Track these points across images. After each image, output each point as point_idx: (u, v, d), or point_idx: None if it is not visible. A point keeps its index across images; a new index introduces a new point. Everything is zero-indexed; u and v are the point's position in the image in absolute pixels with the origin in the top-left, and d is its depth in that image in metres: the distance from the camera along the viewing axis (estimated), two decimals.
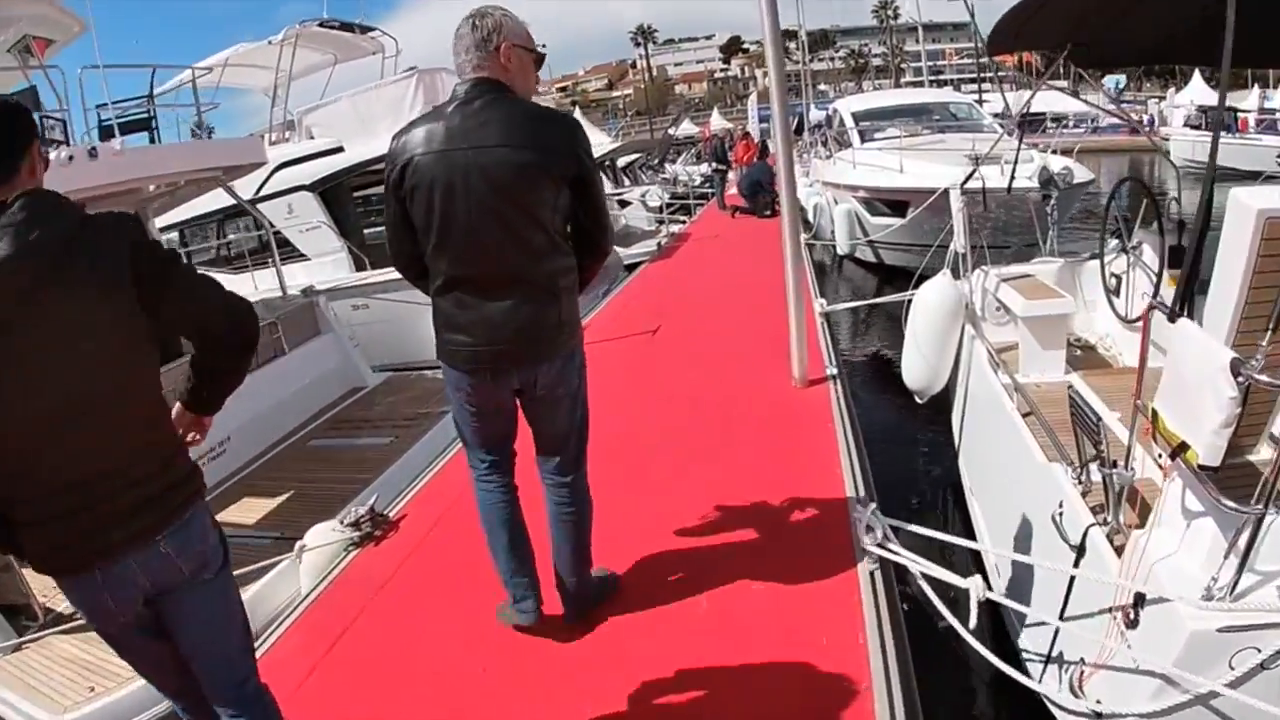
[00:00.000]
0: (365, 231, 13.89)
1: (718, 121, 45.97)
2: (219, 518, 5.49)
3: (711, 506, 3.71)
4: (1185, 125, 28.44)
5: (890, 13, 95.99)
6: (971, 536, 4.91)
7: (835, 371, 5.19)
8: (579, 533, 2.82)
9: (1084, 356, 5.35)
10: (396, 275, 2.74)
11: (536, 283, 2.44)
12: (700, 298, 9.04)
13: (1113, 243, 5.42)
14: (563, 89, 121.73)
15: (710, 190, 21.73)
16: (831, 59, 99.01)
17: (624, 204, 18.20)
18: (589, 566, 2.94)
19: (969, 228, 5.83)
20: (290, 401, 7.22)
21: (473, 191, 2.32)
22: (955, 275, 5.88)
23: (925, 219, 9.89)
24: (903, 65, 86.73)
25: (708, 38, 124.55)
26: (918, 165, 10.51)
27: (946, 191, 9.24)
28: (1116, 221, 5.31)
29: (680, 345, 6.94)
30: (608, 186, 22.33)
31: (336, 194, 10.27)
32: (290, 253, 11.00)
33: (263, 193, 10.93)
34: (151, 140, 7.90)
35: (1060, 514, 3.25)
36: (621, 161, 25.61)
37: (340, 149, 10.16)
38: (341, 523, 4.10)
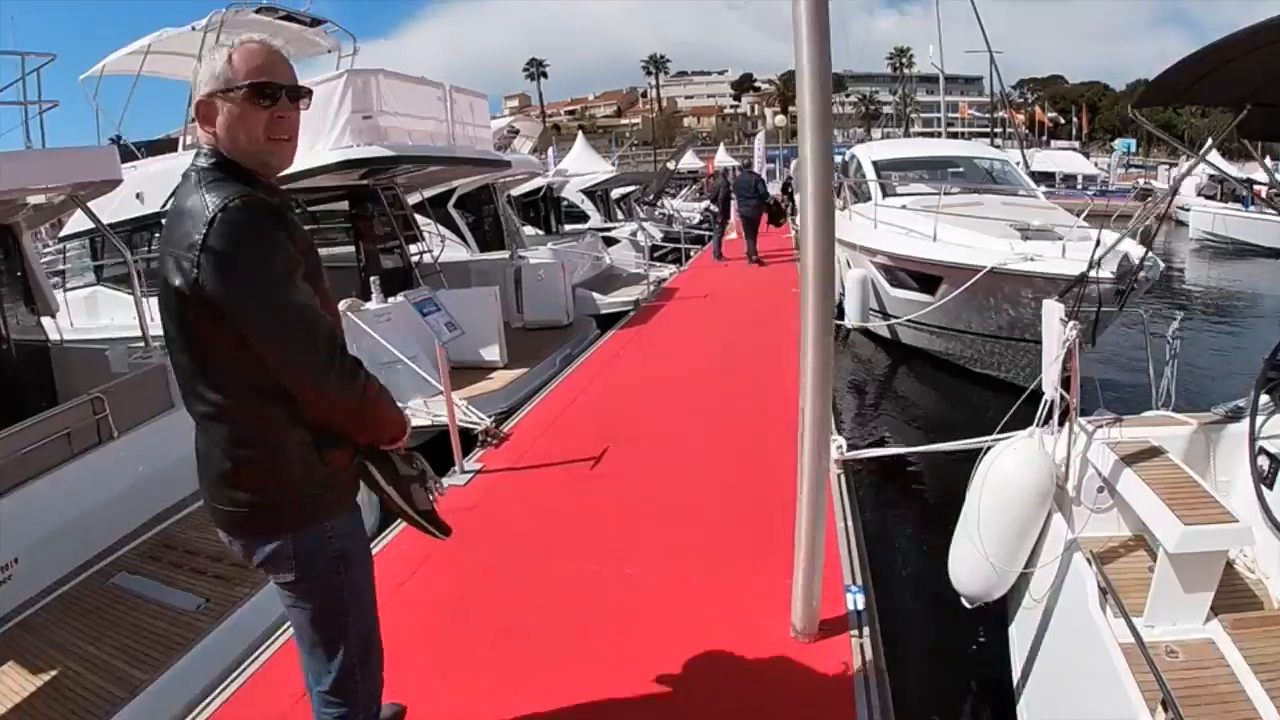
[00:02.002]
0: None
1: (723, 157, 44.58)
2: None
3: None
4: (1199, 195, 27.08)
5: (905, 60, 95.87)
6: None
7: (862, 605, 3.20)
8: None
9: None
10: None
11: (208, 431, 1.90)
12: (672, 398, 7.09)
13: (1264, 399, 3.77)
14: (571, 112, 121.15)
15: (707, 232, 20.03)
16: (841, 103, 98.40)
17: (610, 242, 16.37)
18: None
19: (1075, 363, 3.88)
20: (112, 507, 5.29)
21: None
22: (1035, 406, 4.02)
23: (961, 302, 8.06)
24: (913, 115, 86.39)
25: (720, 73, 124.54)
26: (954, 233, 8.63)
27: (991, 271, 7.67)
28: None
29: (625, 502, 4.90)
30: (595, 219, 20.61)
31: None
32: None
33: (169, 206, 9.08)
34: None
35: None
36: (616, 193, 23.91)
37: None
38: None
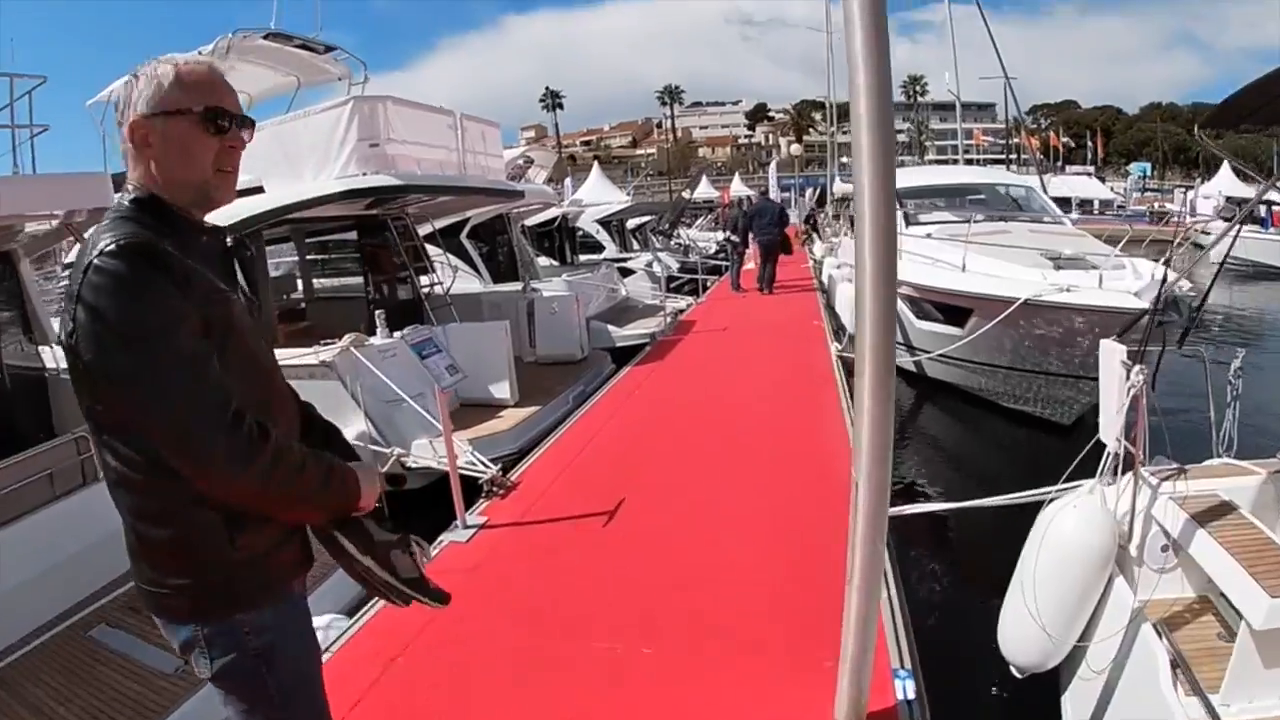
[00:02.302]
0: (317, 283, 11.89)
1: (739, 187, 44.49)
2: None
3: None
4: (1217, 217, 26.84)
5: (919, 89, 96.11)
6: None
7: (912, 693, 2.81)
8: None
9: None
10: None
11: (114, 498, 1.65)
12: (693, 443, 6.59)
13: None
14: (587, 142, 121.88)
15: (724, 262, 19.74)
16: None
17: (626, 273, 16.10)
18: None
19: (1142, 411, 3.49)
20: (95, 553, 4.94)
21: None
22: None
23: (992, 335, 7.68)
24: (926, 143, 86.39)
25: (734, 103, 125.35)
26: (983, 263, 8.25)
27: (1025, 302, 7.29)
28: None
29: (643, 566, 4.38)
30: (610, 249, 20.36)
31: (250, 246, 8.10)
32: None
33: None
34: None
35: None
36: (631, 223, 23.72)
37: (260, 189, 8.04)
38: None
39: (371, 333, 7.17)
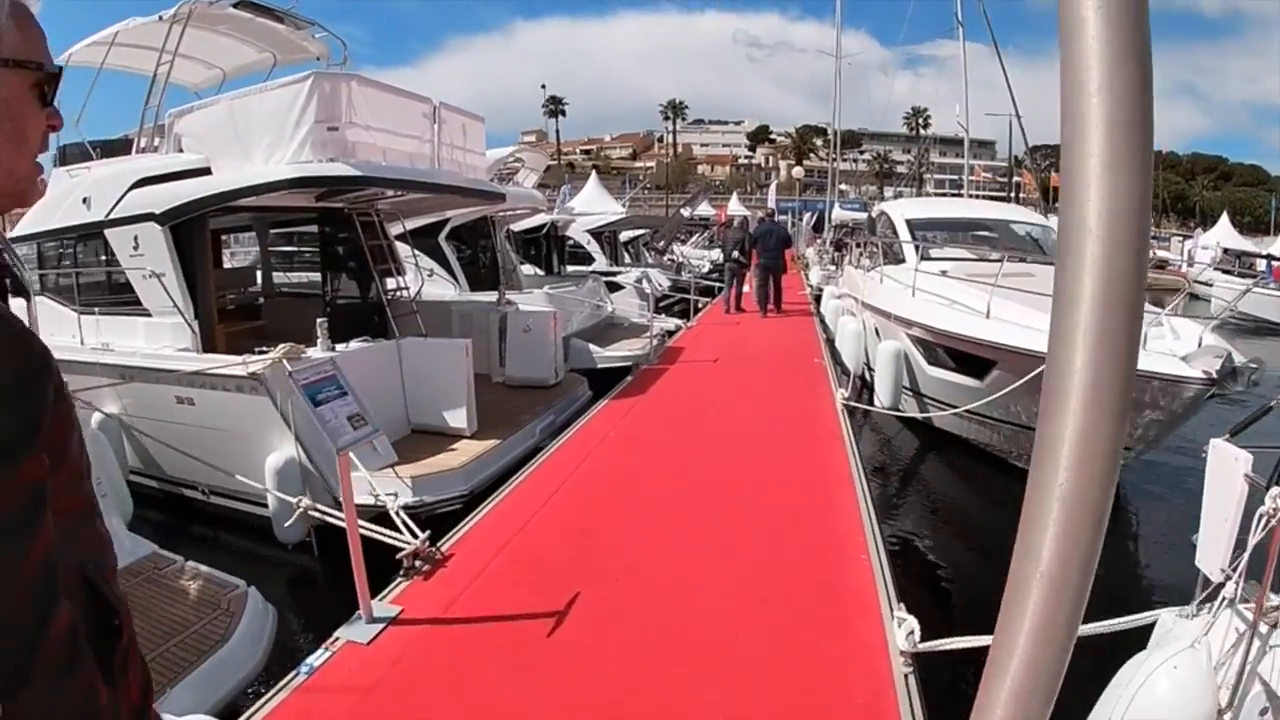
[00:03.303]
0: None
1: (736, 207, 43.80)
2: None
3: None
4: (1214, 269, 26.42)
5: (921, 121, 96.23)
6: None
7: None
8: None
9: None
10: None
11: None
12: (673, 512, 5.34)
13: None
14: (587, 151, 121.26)
15: (717, 283, 18.88)
16: (855, 160, 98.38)
17: (614, 288, 15.20)
18: None
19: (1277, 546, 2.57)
20: None
21: None
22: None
23: (1016, 391, 6.81)
24: (925, 175, 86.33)
25: (736, 123, 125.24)
26: (1008, 310, 7.33)
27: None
28: None
29: (600, 697, 3.15)
30: (601, 261, 19.50)
31: (192, 233, 7.15)
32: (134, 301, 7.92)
33: (113, 215, 7.89)
34: None
35: None
36: (624, 236, 22.87)
37: (207, 170, 7.11)
38: None
39: (313, 342, 6.25)
